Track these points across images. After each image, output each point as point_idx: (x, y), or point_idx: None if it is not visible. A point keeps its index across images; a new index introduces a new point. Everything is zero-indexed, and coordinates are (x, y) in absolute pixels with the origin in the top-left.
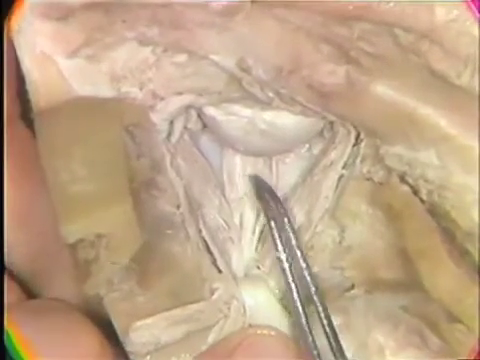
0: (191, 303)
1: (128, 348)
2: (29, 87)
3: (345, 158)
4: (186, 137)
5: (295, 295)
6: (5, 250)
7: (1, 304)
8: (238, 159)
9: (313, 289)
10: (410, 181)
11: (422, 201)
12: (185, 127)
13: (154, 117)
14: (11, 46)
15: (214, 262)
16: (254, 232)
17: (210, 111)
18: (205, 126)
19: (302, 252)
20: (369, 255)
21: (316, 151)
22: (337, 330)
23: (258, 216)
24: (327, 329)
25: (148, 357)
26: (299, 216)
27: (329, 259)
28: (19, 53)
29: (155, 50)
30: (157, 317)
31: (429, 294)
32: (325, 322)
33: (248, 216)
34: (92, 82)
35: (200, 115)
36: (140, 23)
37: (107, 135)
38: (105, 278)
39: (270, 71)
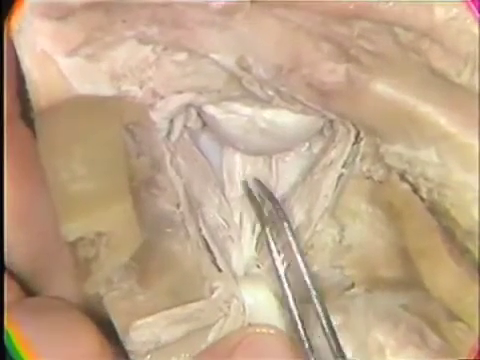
0: (191, 302)
1: (128, 347)
2: (29, 86)
3: (345, 157)
4: (186, 136)
5: (291, 303)
6: (5, 250)
7: (1, 304)
8: (238, 158)
9: (314, 293)
10: (410, 179)
11: (422, 199)
12: (185, 126)
13: (154, 116)
14: (11, 46)
15: (214, 261)
16: (254, 231)
17: (210, 110)
18: (205, 125)
19: (302, 256)
20: (369, 254)
21: (316, 150)
22: (336, 330)
23: None
24: (327, 330)
25: (148, 356)
26: (299, 215)
27: (329, 258)
28: (19, 53)
29: (155, 49)
30: (157, 316)
31: (429, 293)
32: (325, 323)
33: (248, 215)
34: (92, 81)
35: (200, 114)
36: (140, 22)
37: (107, 134)
38: (105, 276)
39: (270, 70)
